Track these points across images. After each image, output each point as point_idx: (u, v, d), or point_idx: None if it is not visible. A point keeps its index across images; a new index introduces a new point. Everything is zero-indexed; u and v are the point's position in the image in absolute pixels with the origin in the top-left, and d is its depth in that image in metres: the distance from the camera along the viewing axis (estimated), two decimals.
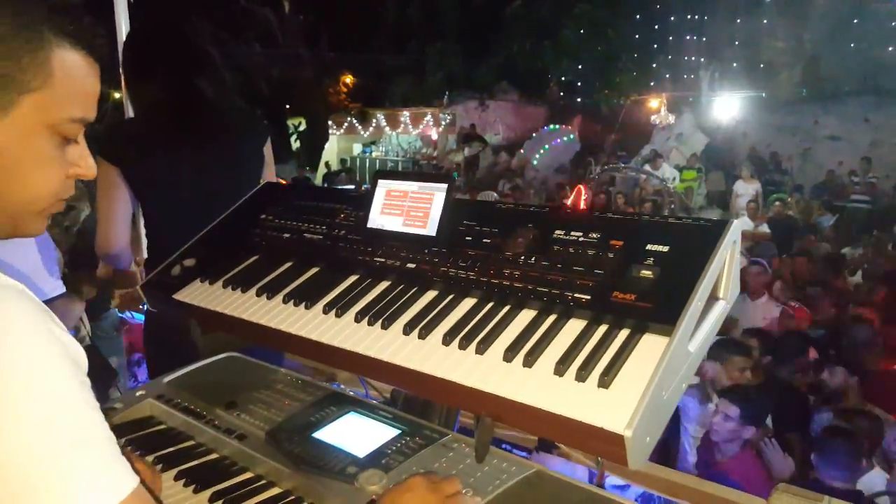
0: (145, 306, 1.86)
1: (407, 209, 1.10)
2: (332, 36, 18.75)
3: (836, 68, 14.66)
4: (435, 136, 17.83)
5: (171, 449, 1.09)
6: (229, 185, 1.55)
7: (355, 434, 1.07)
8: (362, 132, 18.29)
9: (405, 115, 18.24)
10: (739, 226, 0.86)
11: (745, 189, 9.31)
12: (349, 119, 18.18)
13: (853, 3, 14.57)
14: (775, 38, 15.73)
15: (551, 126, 15.90)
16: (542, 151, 14.69)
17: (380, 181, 1.16)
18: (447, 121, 17.90)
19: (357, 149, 18.32)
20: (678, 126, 14.12)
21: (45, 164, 0.71)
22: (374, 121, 18.27)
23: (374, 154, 17.75)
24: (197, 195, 1.64)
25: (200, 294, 1.19)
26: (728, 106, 14.23)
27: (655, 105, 14.73)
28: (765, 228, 7.72)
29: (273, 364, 1.37)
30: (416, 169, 14.70)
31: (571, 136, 15.19)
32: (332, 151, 18.01)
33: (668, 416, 0.75)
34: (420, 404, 1.16)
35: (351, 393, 1.24)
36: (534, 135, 15.77)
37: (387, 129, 18.28)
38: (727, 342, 3.45)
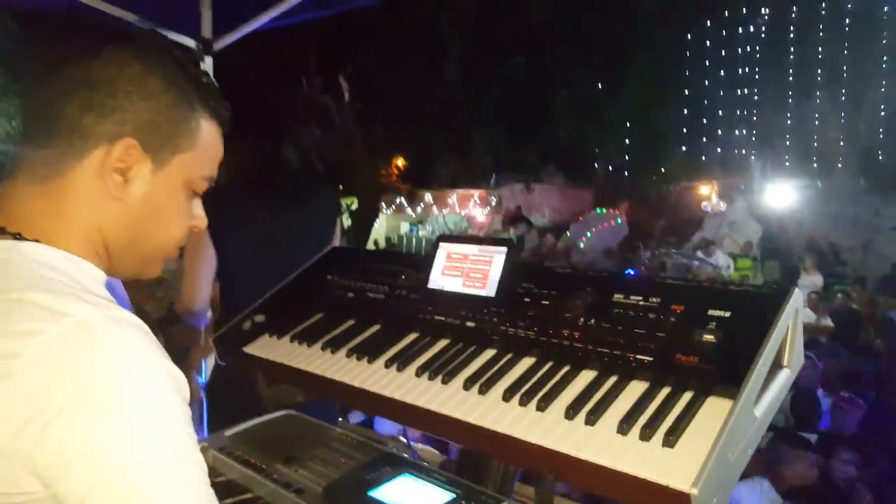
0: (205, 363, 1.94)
1: (467, 270, 1.15)
2: (385, 121, 19.79)
3: (894, 159, 14.44)
4: (480, 217, 18.18)
5: (230, 501, 1.11)
6: (305, 250, 1.64)
7: (411, 495, 1.07)
8: (411, 211, 18.84)
9: (453, 195, 18.77)
10: (800, 294, 0.87)
11: (809, 280, 9.07)
12: (399, 199, 18.81)
13: None
14: (828, 128, 15.72)
15: (598, 210, 16.00)
16: (588, 234, 14.71)
17: (441, 244, 1.22)
18: (494, 202, 18.28)
19: (405, 227, 18.82)
20: (730, 213, 13.98)
21: (180, 215, 0.82)
22: (423, 201, 18.84)
23: (420, 233, 18.16)
24: (274, 258, 1.74)
25: (268, 347, 1.24)
26: (782, 194, 14.07)
27: (706, 191, 14.69)
28: (826, 321, 7.41)
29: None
30: None
31: (619, 220, 15.20)
32: (381, 230, 18.54)
33: (734, 480, 0.74)
34: (473, 470, 1.15)
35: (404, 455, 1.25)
36: (580, 218, 15.87)
37: (434, 208, 18.78)
38: (786, 434, 3.27)
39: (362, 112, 18.78)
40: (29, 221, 0.73)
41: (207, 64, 3.13)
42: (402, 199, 18.71)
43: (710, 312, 0.87)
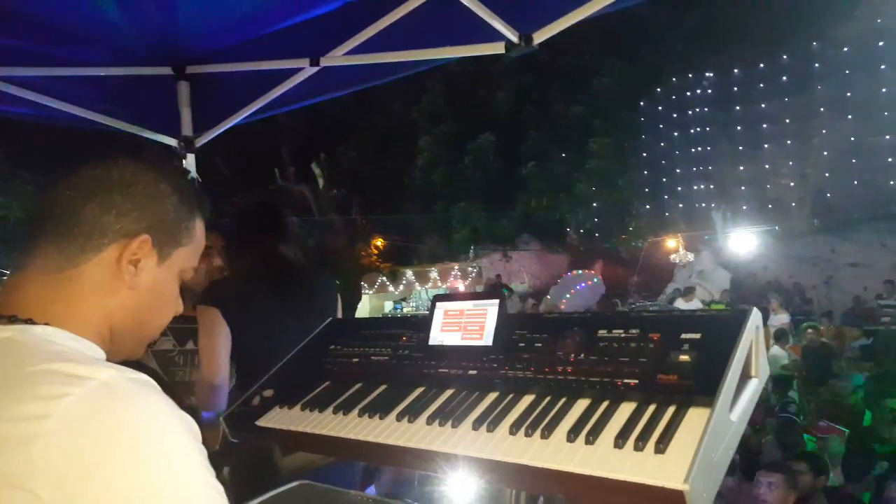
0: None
1: (464, 325, 1.25)
2: (362, 203, 20.23)
3: (843, 199, 15.24)
4: (462, 289, 18.32)
5: None
6: (310, 330, 1.74)
7: None
8: (393, 290, 18.91)
9: (433, 270, 18.98)
10: (759, 314, 1.00)
11: (776, 320, 9.32)
12: (381, 278, 18.93)
13: (850, 139, 15.49)
14: (779, 175, 16.55)
15: (575, 271, 16.31)
16: (568, 296, 14.91)
17: (437, 303, 1.33)
18: (474, 273, 18.50)
19: (388, 306, 18.81)
20: (698, 264, 14.44)
21: (173, 301, 0.95)
22: (405, 278, 18.98)
23: (405, 310, 18.16)
24: (282, 339, 1.84)
25: (281, 418, 1.30)
26: (744, 242, 14.60)
27: (673, 245, 15.17)
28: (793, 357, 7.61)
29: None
30: None
31: (595, 280, 15.49)
32: (364, 310, 18.51)
33: (720, 478, 0.83)
34: None
35: None
36: (559, 281, 16.13)
37: (416, 285, 18.89)
38: (777, 465, 3.34)
39: (339, 197, 19.22)
40: (39, 308, 0.81)
41: (190, 161, 3.26)
42: (384, 279, 18.82)
43: (683, 336, 0.98)
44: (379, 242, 21.04)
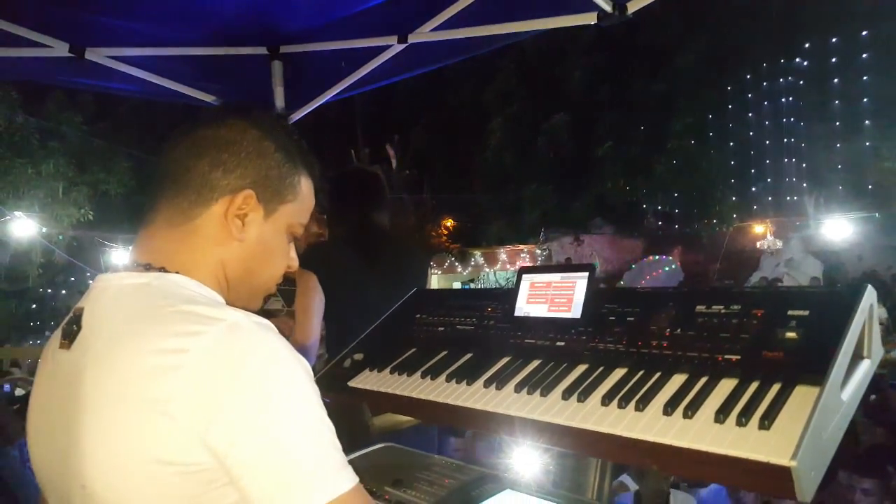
0: None
1: (551, 297, 1.25)
2: (433, 184, 20.36)
3: None
4: None
5: None
6: (394, 298, 1.80)
7: None
8: (461, 270, 19.03)
9: (502, 252, 18.92)
10: (874, 291, 0.94)
11: None
12: (449, 259, 19.08)
13: None
14: (881, 158, 15.27)
15: (651, 257, 15.80)
16: (643, 282, 14.48)
17: (524, 276, 1.33)
18: (543, 256, 18.30)
19: (456, 286, 18.98)
20: (787, 251, 13.59)
21: (283, 255, 0.99)
22: (473, 259, 19.05)
23: None
24: (367, 304, 1.91)
25: (371, 380, 1.36)
26: (839, 229, 13.61)
27: (760, 230, 14.36)
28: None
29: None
30: None
31: (673, 266, 14.95)
32: None
33: (828, 458, 0.79)
34: (570, 481, 1.22)
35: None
36: (633, 266, 15.68)
37: (485, 266, 18.92)
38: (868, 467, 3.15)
39: (412, 178, 19.45)
40: (168, 258, 0.90)
41: None
42: (452, 259, 18.96)
43: (790, 313, 0.94)
44: (448, 223, 21.17)
